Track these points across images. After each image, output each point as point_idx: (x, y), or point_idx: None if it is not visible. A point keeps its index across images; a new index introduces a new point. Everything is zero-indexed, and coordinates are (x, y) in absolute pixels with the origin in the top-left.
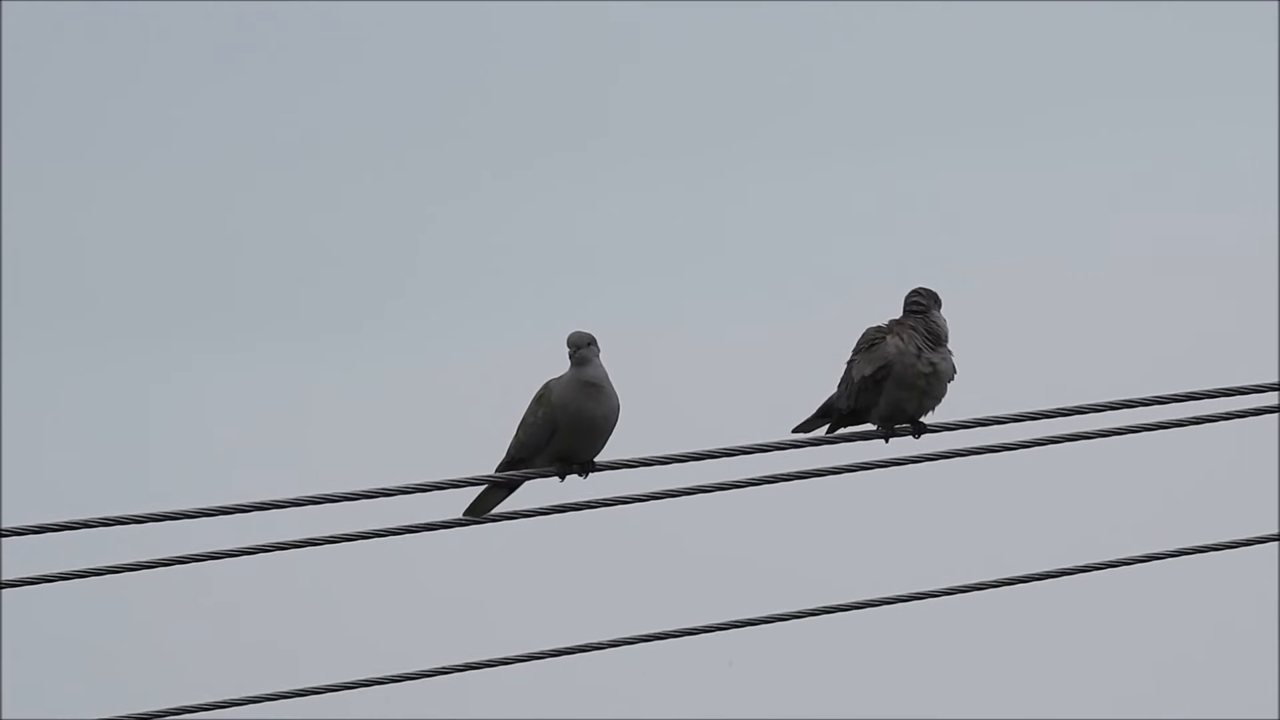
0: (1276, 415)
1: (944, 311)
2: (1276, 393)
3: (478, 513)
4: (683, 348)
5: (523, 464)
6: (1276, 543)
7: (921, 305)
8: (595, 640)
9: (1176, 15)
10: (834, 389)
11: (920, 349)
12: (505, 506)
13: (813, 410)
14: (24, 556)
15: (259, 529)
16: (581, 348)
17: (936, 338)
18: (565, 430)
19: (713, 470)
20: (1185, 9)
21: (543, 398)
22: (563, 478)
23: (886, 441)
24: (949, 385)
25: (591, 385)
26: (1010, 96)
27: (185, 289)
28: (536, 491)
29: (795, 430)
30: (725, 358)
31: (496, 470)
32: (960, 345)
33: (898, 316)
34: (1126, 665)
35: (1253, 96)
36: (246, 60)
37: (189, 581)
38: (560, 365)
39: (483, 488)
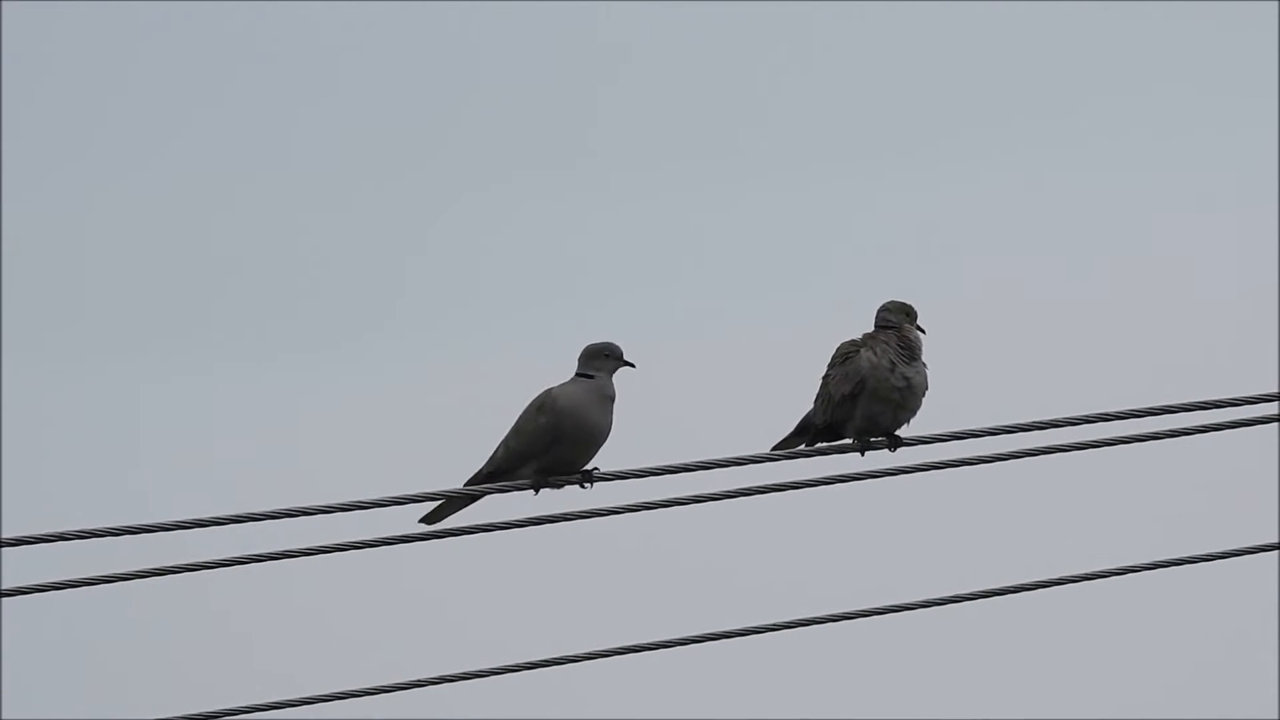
0: (1277, 425)
1: (923, 323)
2: (1276, 403)
3: (434, 520)
4: (659, 362)
5: (507, 474)
6: (1273, 552)
7: (890, 321)
8: (568, 653)
9: (1170, 16)
10: (810, 404)
11: (894, 363)
12: (475, 519)
13: (790, 428)
14: (17, 566)
15: (235, 541)
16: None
17: (911, 351)
18: (569, 439)
19: (688, 483)
20: (1179, 9)
21: (544, 405)
22: (537, 490)
23: (862, 455)
24: (923, 398)
25: (608, 398)
26: (996, 105)
27: (175, 300)
28: (505, 504)
29: (774, 449)
30: (702, 372)
31: (468, 482)
32: (942, 357)
33: (871, 330)
34: (1109, 679)
35: (1252, 101)
36: (243, 72)
37: (161, 592)
38: (542, 376)
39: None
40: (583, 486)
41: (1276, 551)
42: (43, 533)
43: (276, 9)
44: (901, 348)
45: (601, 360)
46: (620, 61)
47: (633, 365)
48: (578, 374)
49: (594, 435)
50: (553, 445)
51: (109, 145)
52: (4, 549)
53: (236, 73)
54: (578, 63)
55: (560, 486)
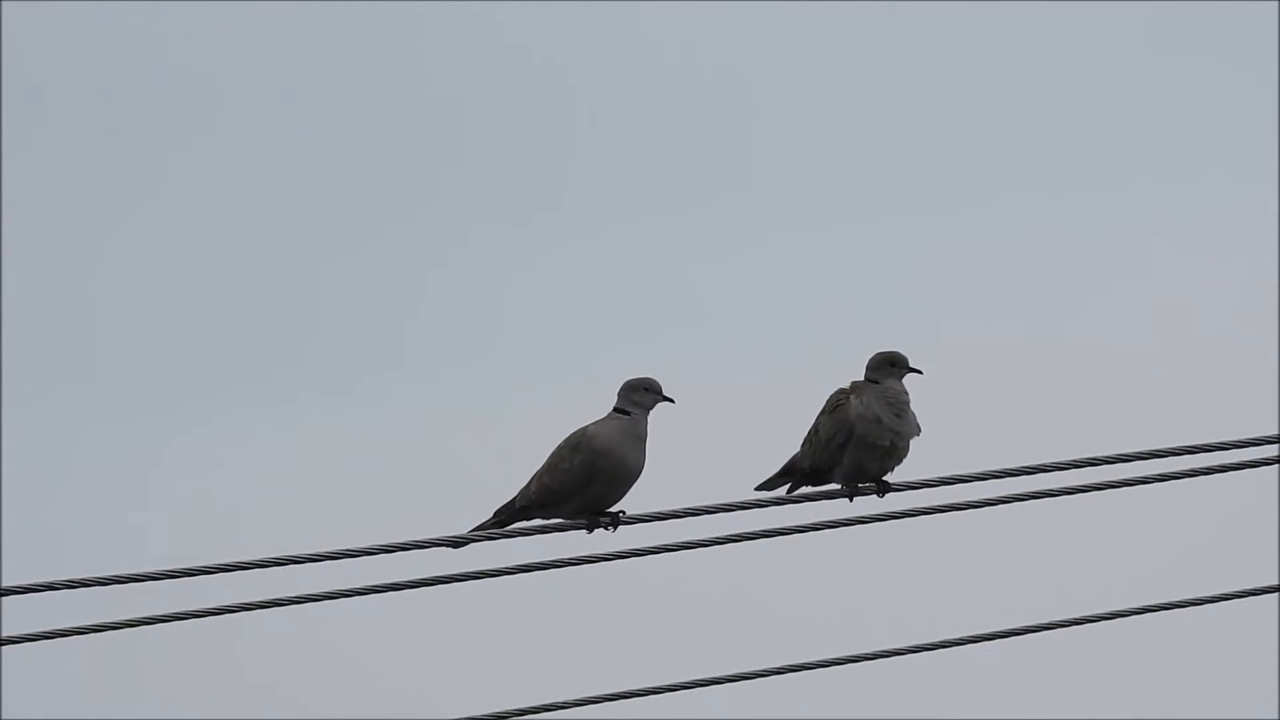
0: (1276, 468)
1: (914, 365)
2: (1276, 445)
3: (460, 545)
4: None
5: (539, 510)
6: (1272, 595)
7: (874, 377)
8: (556, 700)
9: (1170, 61)
10: (796, 448)
11: (879, 417)
12: (477, 563)
13: (775, 469)
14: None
15: (255, 586)
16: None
17: (895, 407)
18: (605, 479)
19: (676, 530)
20: (1178, 54)
21: (579, 445)
22: (591, 530)
23: (850, 500)
24: (911, 443)
25: (639, 438)
26: (991, 150)
27: (176, 352)
28: (485, 550)
29: (758, 488)
30: (689, 416)
31: (497, 512)
32: (933, 401)
33: (861, 380)
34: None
35: (1250, 145)
36: (238, 124)
37: (180, 639)
38: (540, 419)
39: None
40: (608, 529)
41: (1276, 595)
42: (48, 580)
43: (279, 59)
44: (888, 403)
45: (640, 394)
46: (611, 110)
47: (671, 400)
48: (615, 409)
49: (628, 475)
50: (589, 484)
51: (106, 205)
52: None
53: (239, 119)
54: (565, 112)
55: (593, 530)
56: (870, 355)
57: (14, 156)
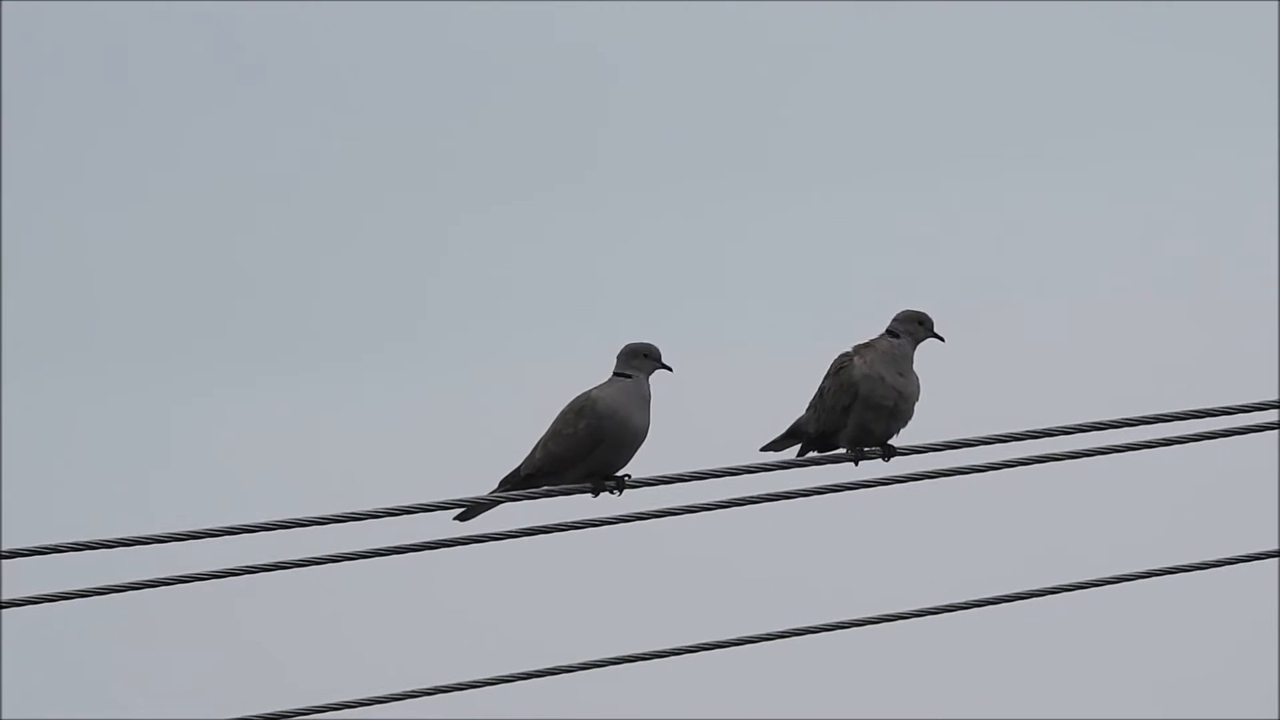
0: (1276, 433)
1: (938, 331)
2: (1276, 411)
3: (467, 518)
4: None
5: (545, 478)
6: (1272, 560)
7: (895, 330)
8: (563, 663)
9: (1166, 39)
10: (803, 410)
11: (883, 376)
12: (483, 528)
13: (781, 430)
14: (24, 576)
15: (262, 549)
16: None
17: (897, 365)
18: (611, 442)
19: (681, 493)
20: (1173, 32)
21: (584, 409)
22: (596, 494)
23: (856, 464)
24: (915, 407)
25: (645, 400)
26: (1002, 122)
27: (190, 317)
28: (496, 513)
29: (764, 449)
30: (696, 380)
31: (503, 481)
32: (939, 366)
33: (865, 340)
34: (1104, 688)
35: (1246, 116)
36: (253, 92)
37: (187, 601)
38: (555, 383)
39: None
40: (613, 493)
41: (1275, 559)
42: (53, 543)
43: (296, 28)
44: (892, 361)
45: (641, 360)
46: (632, 78)
47: (669, 369)
48: (616, 373)
49: (634, 438)
50: (594, 449)
51: (116, 171)
52: (8, 559)
53: (247, 94)
54: (590, 80)
55: (598, 494)
56: (899, 310)
57: (23, 125)
